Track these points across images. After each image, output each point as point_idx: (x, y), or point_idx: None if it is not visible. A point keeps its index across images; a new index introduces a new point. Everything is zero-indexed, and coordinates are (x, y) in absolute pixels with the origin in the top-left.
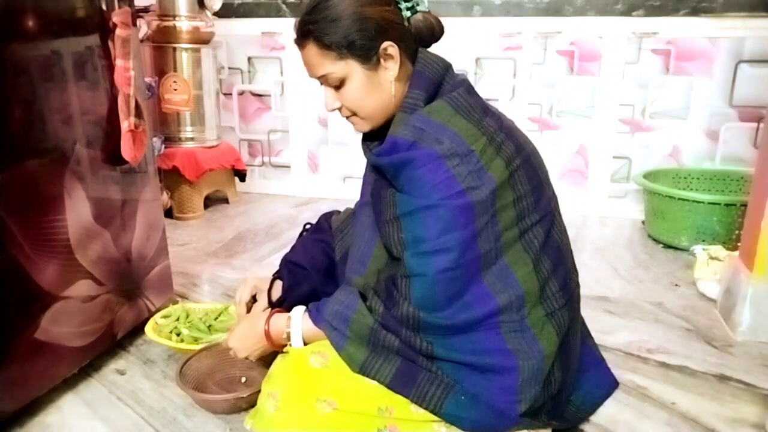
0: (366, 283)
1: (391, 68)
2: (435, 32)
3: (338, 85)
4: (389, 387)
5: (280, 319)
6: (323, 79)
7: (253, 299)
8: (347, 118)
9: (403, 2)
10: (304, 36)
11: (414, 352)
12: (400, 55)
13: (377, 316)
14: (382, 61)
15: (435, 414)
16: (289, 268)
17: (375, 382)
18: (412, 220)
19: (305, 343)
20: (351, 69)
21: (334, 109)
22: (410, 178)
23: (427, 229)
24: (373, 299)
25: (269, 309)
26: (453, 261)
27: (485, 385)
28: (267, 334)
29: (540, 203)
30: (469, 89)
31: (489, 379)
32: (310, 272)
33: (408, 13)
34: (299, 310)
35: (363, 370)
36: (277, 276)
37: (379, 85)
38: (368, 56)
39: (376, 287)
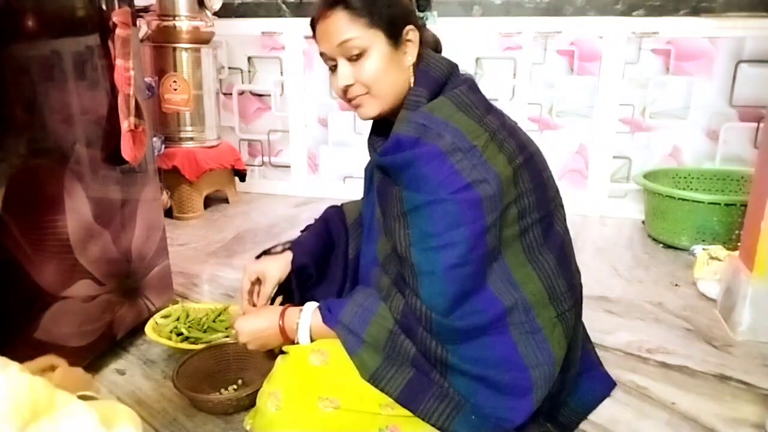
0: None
1: (410, 53)
2: (437, 47)
3: (356, 58)
4: (397, 400)
5: (293, 314)
6: (341, 49)
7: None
8: (355, 99)
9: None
10: (336, 1)
11: (429, 364)
12: (419, 44)
13: (397, 314)
14: (404, 43)
15: (441, 431)
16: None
17: None
18: (418, 215)
19: (312, 340)
20: (376, 40)
21: (346, 87)
22: (415, 176)
23: (434, 224)
24: (395, 297)
25: (280, 303)
26: (461, 256)
27: (499, 398)
28: (281, 329)
29: (541, 202)
30: (472, 87)
31: (502, 399)
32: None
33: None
34: (310, 307)
35: (373, 379)
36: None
37: (399, 66)
38: (395, 33)
39: (394, 280)
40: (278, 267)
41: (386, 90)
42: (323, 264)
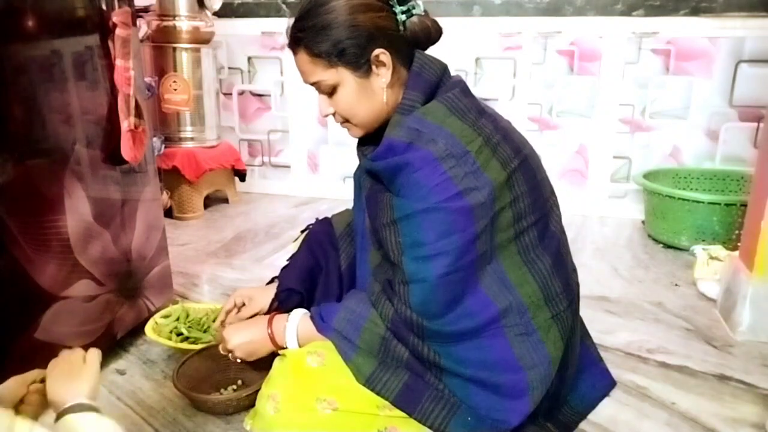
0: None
1: (383, 75)
2: (431, 35)
3: (330, 92)
4: (393, 404)
5: (280, 321)
6: (316, 86)
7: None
8: (341, 124)
9: (398, 6)
10: (295, 43)
11: (423, 367)
12: (393, 61)
13: (387, 321)
14: (374, 68)
15: None
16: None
17: None
18: (409, 223)
19: (300, 346)
20: (342, 77)
21: (327, 115)
22: (407, 182)
23: (426, 232)
24: (384, 304)
25: (269, 312)
26: (451, 264)
27: (495, 400)
28: (271, 337)
29: (537, 204)
30: (465, 90)
31: (498, 401)
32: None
33: (403, 17)
34: (297, 314)
35: (369, 383)
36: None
37: (372, 92)
38: (359, 64)
39: (383, 287)
40: (265, 295)
41: (364, 118)
42: (311, 285)
